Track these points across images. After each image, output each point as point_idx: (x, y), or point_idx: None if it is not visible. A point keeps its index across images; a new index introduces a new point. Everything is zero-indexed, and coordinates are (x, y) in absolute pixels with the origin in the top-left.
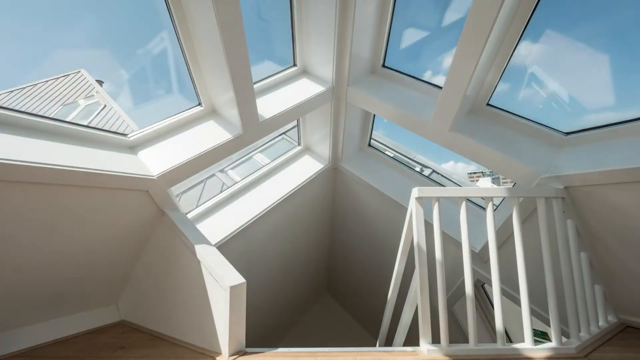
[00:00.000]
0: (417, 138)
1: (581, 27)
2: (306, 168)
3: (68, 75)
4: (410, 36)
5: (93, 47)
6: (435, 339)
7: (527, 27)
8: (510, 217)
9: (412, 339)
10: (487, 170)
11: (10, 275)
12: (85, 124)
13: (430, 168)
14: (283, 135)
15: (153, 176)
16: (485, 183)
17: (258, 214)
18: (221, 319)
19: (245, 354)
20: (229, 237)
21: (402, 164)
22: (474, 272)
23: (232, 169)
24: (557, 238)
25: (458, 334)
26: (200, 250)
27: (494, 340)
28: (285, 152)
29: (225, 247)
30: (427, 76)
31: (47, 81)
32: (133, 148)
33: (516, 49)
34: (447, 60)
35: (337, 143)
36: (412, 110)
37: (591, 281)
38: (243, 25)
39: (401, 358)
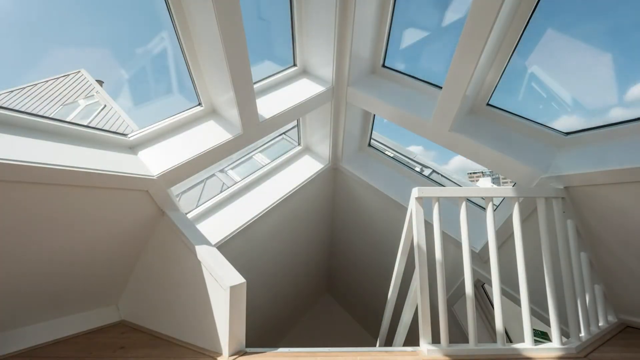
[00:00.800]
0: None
1: (581, 27)
2: (306, 168)
3: (68, 75)
4: (410, 36)
5: (93, 47)
6: (435, 339)
7: (527, 26)
8: (510, 217)
9: (412, 339)
10: (487, 170)
11: (10, 275)
12: (85, 124)
13: (430, 168)
14: (283, 135)
15: (153, 176)
16: (485, 183)
17: (258, 214)
18: (221, 319)
19: (245, 354)
20: (229, 237)
21: (402, 164)
22: (474, 272)
23: (232, 169)
24: (557, 238)
25: (458, 334)
26: (200, 250)
27: (494, 340)
28: (285, 152)
29: (225, 247)
30: (427, 76)
31: (47, 81)
32: (133, 148)
33: (516, 49)
34: (448, 60)
35: (337, 143)
36: (412, 110)
37: (591, 281)
38: (243, 25)
39: (401, 358)
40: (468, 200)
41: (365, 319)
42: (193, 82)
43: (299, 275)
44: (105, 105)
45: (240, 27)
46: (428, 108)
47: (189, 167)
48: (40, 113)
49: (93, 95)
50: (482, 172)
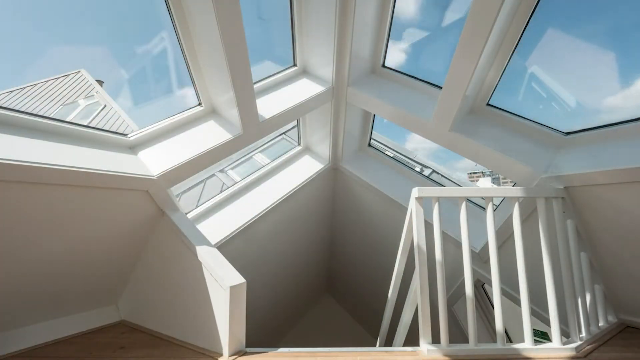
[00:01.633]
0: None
1: (582, 27)
2: (306, 168)
3: (68, 75)
4: (410, 36)
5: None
6: (435, 339)
7: (527, 26)
8: (510, 217)
9: (412, 339)
10: (487, 170)
11: (10, 275)
12: (85, 124)
13: (430, 168)
14: (283, 135)
15: (153, 176)
16: (485, 183)
17: (258, 214)
18: (221, 319)
19: (245, 354)
20: (229, 237)
21: (402, 164)
22: (474, 272)
23: (232, 169)
24: (557, 238)
25: (458, 334)
26: (201, 250)
27: (494, 340)
28: (285, 152)
29: (225, 247)
30: (427, 76)
31: (47, 81)
32: (133, 148)
33: (516, 49)
34: (448, 60)
35: (337, 143)
36: (412, 110)
37: (591, 281)
38: (243, 25)
39: (401, 358)
40: (468, 200)
41: (365, 319)
42: (193, 82)
43: (299, 275)
44: (105, 105)
45: (240, 27)
46: (428, 108)
47: (189, 167)
48: (40, 113)
49: (93, 95)
50: (482, 172)
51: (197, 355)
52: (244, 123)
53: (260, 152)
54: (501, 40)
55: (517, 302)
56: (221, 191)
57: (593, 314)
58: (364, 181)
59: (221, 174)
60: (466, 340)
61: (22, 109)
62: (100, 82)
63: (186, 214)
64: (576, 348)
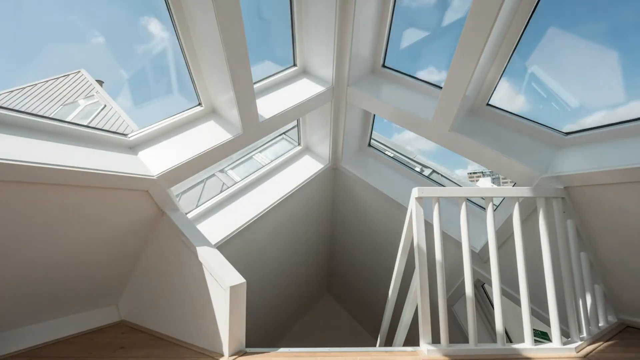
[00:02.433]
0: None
1: (582, 27)
2: (306, 168)
3: (68, 75)
4: (410, 36)
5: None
6: (435, 339)
7: (528, 26)
8: (510, 217)
9: (412, 339)
10: (487, 170)
11: (10, 276)
12: (85, 124)
13: (430, 168)
14: (283, 135)
15: (153, 176)
16: (485, 183)
17: (258, 214)
18: (221, 319)
19: (245, 354)
20: (229, 237)
21: (402, 164)
22: (474, 272)
23: (232, 169)
24: (557, 238)
25: (458, 334)
26: (201, 250)
27: (494, 340)
28: (285, 152)
29: (225, 247)
30: (427, 76)
31: (47, 81)
32: (133, 148)
33: (516, 49)
34: (447, 60)
35: (337, 143)
36: (412, 110)
37: (591, 281)
38: (243, 25)
39: (401, 358)
40: (468, 200)
41: (365, 319)
42: (193, 82)
43: (299, 275)
44: (105, 105)
45: (240, 27)
46: (428, 108)
47: (189, 167)
48: (40, 113)
49: (93, 95)
50: (482, 172)
51: (197, 355)
52: (244, 123)
53: (260, 152)
54: (501, 40)
55: (517, 302)
56: (221, 191)
57: (593, 314)
58: (364, 181)
59: (221, 174)
60: (466, 340)
61: (22, 109)
62: (100, 82)
63: (186, 214)
64: (576, 348)
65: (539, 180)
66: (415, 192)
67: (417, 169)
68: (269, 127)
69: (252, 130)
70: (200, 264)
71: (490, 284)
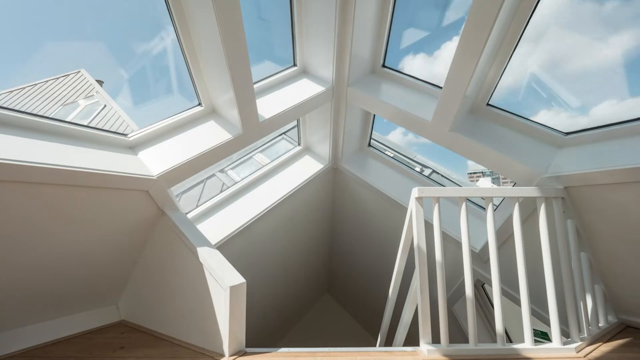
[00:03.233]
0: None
1: (582, 26)
2: (306, 168)
3: (68, 75)
4: (411, 36)
5: (93, 47)
6: (435, 339)
7: (528, 26)
8: (510, 217)
9: (412, 339)
10: (487, 170)
11: (10, 275)
12: (85, 123)
13: (430, 168)
14: (283, 135)
15: (153, 176)
16: (485, 183)
17: (258, 214)
18: (221, 319)
19: (245, 354)
20: (229, 237)
21: (402, 164)
22: (474, 272)
23: (232, 169)
24: (557, 238)
25: (458, 334)
26: (200, 250)
27: (494, 340)
28: (285, 152)
29: (225, 247)
30: (427, 76)
31: (47, 81)
32: (133, 148)
33: (516, 49)
34: (447, 60)
35: (337, 143)
36: (412, 110)
37: (591, 281)
38: (243, 25)
39: (401, 358)
40: (468, 200)
41: (365, 319)
42: (193, 82)
43: (299, 275)
44: (105, 105)
45: (240, 27)
46: (428, 108)
47: (189, 167)
48: (40, 113)
49: (93, 95)
50: (482, 172)
51: (197, 355)
52: (244, 123)
53: (260, 152)
54: (501, 39)
55: (517, 302)
56: (221, 191)
57: (593, 314)
58: (364, 181)
59: (221, 174)
60: (466, 340)
61: (22, 109)
62: (100, 82)
63: (186, 214)
64: (576, 348)
65: (539, 180)
66: (415, 192)
67: (417, 169)
68: (269, 127)
69: (252, 130)
70: (200, 264)
71: (490, 284)
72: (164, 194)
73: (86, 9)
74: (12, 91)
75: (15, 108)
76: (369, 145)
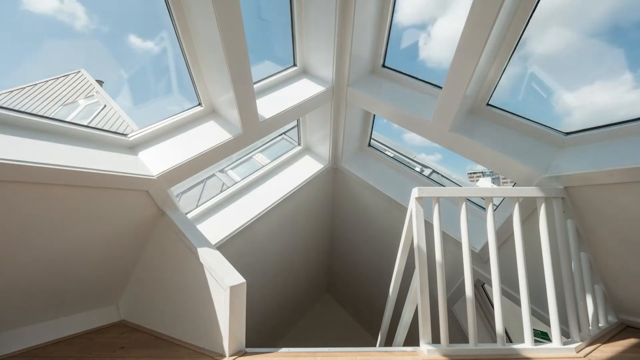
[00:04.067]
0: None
1: (582, 26)
2: (306, 168)
3: (68, 75)
4: (411, 36)
5: (92, 47)
6: (435, 339)
7: (528, 26)
8: (510, 217)
9: (412, 339)
10: (487, 170)
11: (10, 276)
12: (85, 124)
13: (430, 168)
14: (283, 135)
15: (153, 176)
16: (485, 183)
17: (258, 214)
18: (221, 319)
19: (245, 354)
20: (229, 237)
21: (402, 164)
22: (474, 272)
23: (232, 169)
24: (557, 238)
25: (458, 334)
26: (201, 250)
27: (494, 341)
28: (285, 152)
29: (225, 247)
30: (427, 76)
31: (47, 81)
32: (133, 148)
33: (516, 49)
34: (447, 60)
35: (337, 143)
36: (412, 110)
37: (591, 281)
38: (243, 25)
39: (401, 358)
40: (468, 200)
41: (365, 319)
42: (193, 82)
43: (299, 275)
44: (105, 105)
45: (240, 27)
46: (428, 108)
47: (189, 167)
48: (40, 113)
49: (93, 95)
50: (482, 172)
51: (197, 355)
52: (244, 123)
53: (260, 152)
54: (501, 40)
55: (517, 302)
56: (221, 191)
57: (593, 314)
58: (364, 181)
59: (221, 174)
60: (466, 340)
61: (22, 109)
62: (100, 82)
63: (186, 214)
64: (576, 348)
65: (539, 180)
66: (415, 192)
67: (417, 169)
68: (269, 127)
69: (252, 130)
70: (200, 264)
71: (490, 284)
72: (164, 194)
73: (86, 9)
74: (12, 91)
75: (15, 108)
76: (369, 145)
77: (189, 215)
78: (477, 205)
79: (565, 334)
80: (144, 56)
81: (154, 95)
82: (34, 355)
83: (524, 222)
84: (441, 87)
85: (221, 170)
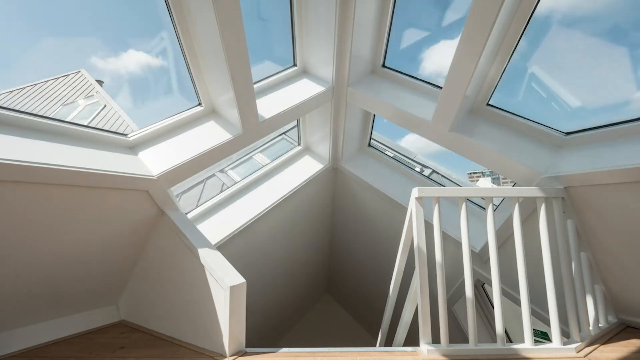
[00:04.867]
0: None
1: (582, 26)
2: (306, 168)
3: (68, 75)
4: (411, 36)
5: (92, 46)
6: (435, 339)
7: (528, 26)
8: (510, 217)
9: (412, 339)
10: (487, 170)
11: (10, 276)
12: (85, 124)
13: (430, 168)
14: (283, 135)
15: (153, 176)
16: (485, 183)
17: (258, 214)
18: (221, 319)
19: (245, 354)
20: (229, 237)
21: (402, 164)
22: (474, 272)
23: (232, 169)
24: (557, 238)
25: (458, 334)
26: (200, 250)
27: (494, 341)
28: (285, 152)
29: (225, 247)
30: (427, 76)
31: (47, 81)
32: (133, 148)
33: (516, 48)
34: (447, 60)
35: (337, 143)
36: (412, 110)
37: (591, 281)
38: (243, 25)
39: (401, 358)
40: (468, 200)
41: (365, 319)
42: (193, 82)
43: (299, 275)
44: (105, 105)
45: (240, 27)
46: (428, 108)
47: (189, 167)
48: (40, 113)
49: (93, 95)
50: (482, 172)
51: (197, 355)
52: (244, 123)
53: (260, 152)
54: (501, 40)
55: (517, 302)
56: (221, 191)
57: (593, 314)
58: (364, 181)
59: (221, 174)
60: (466, 340)
61: (22, 109)
62: (100, 82)
63: (186, 214)
64: (576, 348)
65: (539, 180)
66: (415, 192)
67: (417, 169)
68: (269, 127)
69: (252, 130)
70: (200, 264)
71: (490, 284)
72: (164, 194)
73: (86, 8)
74: (12, 91)
75: (15, 108)
76: (369, 145)
77: (189, 215)
78: (477, 205)
79: (565, 334)
80: (144, 56)
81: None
82: (33, 355)
83: (524, 222)
84: (441, 87)
85: (221, 170)
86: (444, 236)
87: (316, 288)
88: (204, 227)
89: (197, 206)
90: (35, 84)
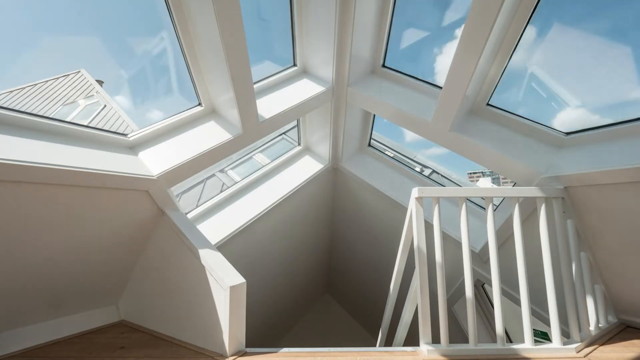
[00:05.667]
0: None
1: (582, 26)
2: (306, 168)
3: (68, 75)
4: (411, 36)
5: (92, 46)
6: (435, 339)
7: (528, 26)
8: (510, 217)
9: (412, 339)
10: (487, 170)
11: (10, 276)
12: (85, 124)
13: (430, 168)
14: (283, 135)
15: (153, 176)
16: (485, 183)
17: (258, 214)
18: (221, 319)
19: (245, 354)
20: (229, 237)
21: (402, 164)
22: (474, 272)
23: (232, 169)
24: (557, 238)
25: (458, 334)
26: (201, 250)
27: (494, 341)
28: (285, 152)
29: (225, 247)
30: (427, 76)
31: (47, 81)
32: (133, 148)
33: (516, 48)
34: (447, 60)
35: (337, 143)
36: (412, 110)
37: (591, 281)
38: (243, 25)
39: (401, 358)
40: (468, 200)
41: (365, 319)
42: (193, 82)
43: (299, 275)
44: (105, 105)
45: (240, 27)
46: (428, 108)
47: (189, 167)
48: (40, 113)
49: (93, 95)
50: (482, 172)
51: (197, 355)
52: (244, 123)
53: (260, 152)
54: (501, 40)
55: (517, 302)
56: (221, 191)
57: (593, 314)
58: (364, 181)
59: (221, 174)
60: (466, 340)
61: (22, 109)
62: (100, 82)
63: (186, 214)
64: (576, 348)
65: (539, 180)
66: (415, 192)
67: (417, 169)
68: (269, 127)
69: (252, 130)
70: (200, 264)
71: (490, 284)
72: (164, 194)
73: (86, 8)
74: (12, 91)
75: (15, 108)
76: (369, 145)
77: (189, 215)
78: (477, 205)
79: (565, 334)
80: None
81: (154, 96)
82: (33, 355)
83: (524, 222)
84: (441, 87)
85: (221, 170)
86: (444, 236)
87: (316, 288)
88: (204, 227)
89: (197, 206)
90: (35, 84)
